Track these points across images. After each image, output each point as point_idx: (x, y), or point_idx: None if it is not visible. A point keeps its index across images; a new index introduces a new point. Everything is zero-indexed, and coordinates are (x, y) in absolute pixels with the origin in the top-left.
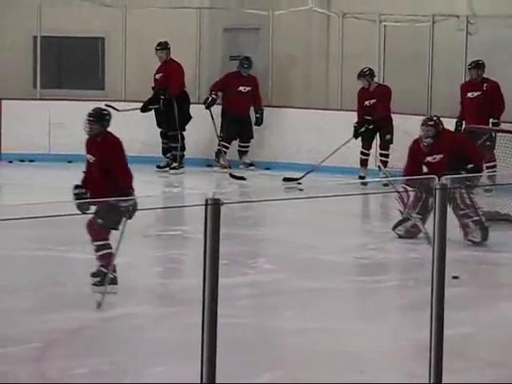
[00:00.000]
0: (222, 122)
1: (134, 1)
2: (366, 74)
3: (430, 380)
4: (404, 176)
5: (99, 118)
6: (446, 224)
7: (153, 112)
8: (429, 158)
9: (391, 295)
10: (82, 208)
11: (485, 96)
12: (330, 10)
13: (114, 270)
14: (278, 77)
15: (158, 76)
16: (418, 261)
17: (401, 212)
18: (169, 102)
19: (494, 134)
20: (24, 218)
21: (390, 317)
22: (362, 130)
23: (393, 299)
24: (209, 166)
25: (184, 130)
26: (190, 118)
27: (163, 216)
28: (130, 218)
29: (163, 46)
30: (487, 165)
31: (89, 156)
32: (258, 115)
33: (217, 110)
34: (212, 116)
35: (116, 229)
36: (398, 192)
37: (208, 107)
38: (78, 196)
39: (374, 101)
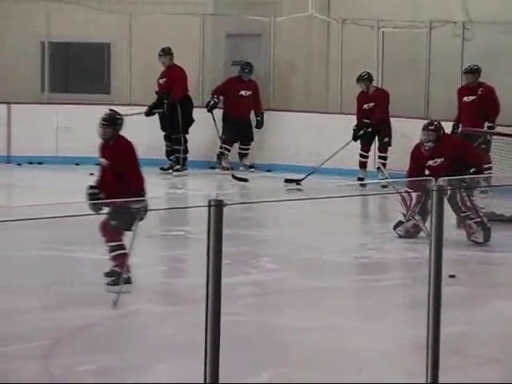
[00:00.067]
0: (224, 125)
1: (139, 8)
2: (365, 78)
3: (427, 377)
4: (406, 180)
5: (112, 122)
6: (442, 225)
7: (157, 116)
8: (430, 162)
9: (390, 294)
10: (95, 208)
11: (480, 100)
12: (330, 17)
13: (128, 270)
14: (279, 81)
15: (161, 81)
16: (417, 260)
17: (404, 214)
18: (172, 106)
19: (489, 137)
20: (33, 218)
21: (390, 315)
22: (361, 132)
23: (392, 298)
24: (212, 168)
25: (187, 133)
26: (192, 121)
27: (167, 217)
28: (142, 219)
29: (166, 52)
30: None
31: (102, 159)
32: (258, 118)
33: (218, 113)
34: (214, 119)
35: (130, 230)
36: (399, 193)
37: (210, 110)
38: (91, 196)
39: (373, 104)
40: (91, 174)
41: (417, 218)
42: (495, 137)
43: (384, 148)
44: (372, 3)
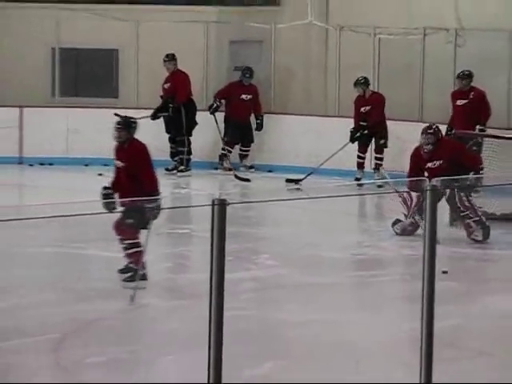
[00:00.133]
0: (225, 127)
1: (145, 15)
2: (362, 83)
3: (421, 369)
4: (407, 181)
5: (126, 126)
6: (436, 223)
7: (162, 119)
8: (429, 164)
9: (387, 289)
10: (109, 208)
11: (472, 104)
12: (328, 24)
13: (144, 267)
14: (279, 86)
15: (166, 86)
16: (413, 257)
17: (405, 215)
18: (177, 110)
19: (480, 139)
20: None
21: (387, 309)
22: (358, 134)
23: (388, 292)
24: (215, 168)
25: (191, 135)
26: (196, 124)
27: (172, 215)
28: (156, 218)
29: (171, 58)
30: None
31: (117, 161)
32: (258, 121)
33: (220, 116)
34: (216, 121)
35: (145, 228)
36: (397, 192)
37: (212, 113)
38: (106, 197)
39: (369, 108)
40: (100, 175)
41: (417, 217)
42: (486, 139)
43: (380, 149)
44: (369, 11)
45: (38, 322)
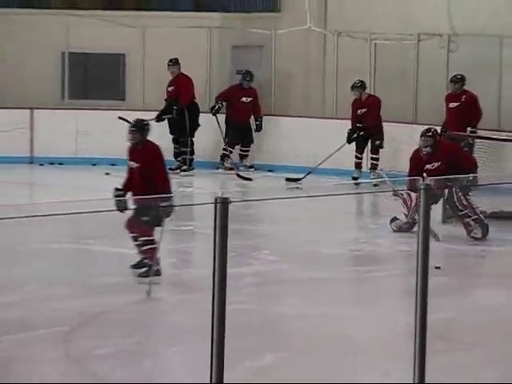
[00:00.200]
0: (226, 128)
1: (151, 22)
2: (358, 86)
3: (414, 360)
4: (407, 182)
5: (140, 128)
6: (429, 220)
7: (166, 120)
8: (428, 166)
9: (383, 283)
10: (121, 208)
11: (463, 106)
12: (326, 30)
13: (158, 263)
14: (279, 89)
15: (170, 89)
16: (409, 253)
17: (405, 215)
18: (181, 112)
19: (471, 140)
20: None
21: (383, 303)
22: (354, 136)
23: (384, 287)
24: (217, 168)
25: (193, 136)
26: (198, 125)
27: (176, 213)
28: (169, 216)
29: (174, 62)
30: None
31: (131, 163)
32: (257, 123)
33: (221, 117)
34: (218, 122)
35: (159, 226)
36: (394, 190)
37: (214, 114)
38: (118, 198)
39: (365, 110)
40: (107, 174)
41: (416, 217)
42: (478, 140)
43: (376, 150)
44: (365, 17)
45: (47, 316)
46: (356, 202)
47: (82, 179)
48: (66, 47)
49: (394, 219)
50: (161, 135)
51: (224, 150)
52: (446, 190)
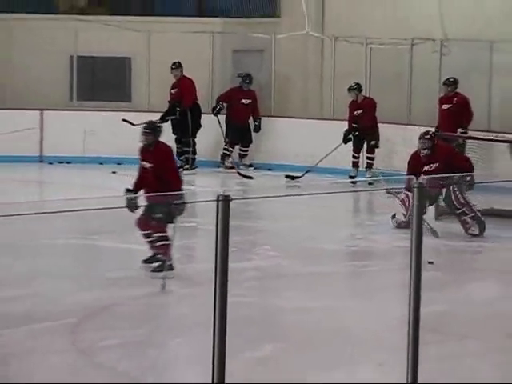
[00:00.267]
0: (227, 129)
1: (156, 27)
2: (355, 88)
3: (408, 351)
4: (405, 183)
5: (153, 130)
6: (422, 217)
7: (169, 121)
8: (426, 167)
9: (378, 277)
10: (132, 208)
11: (455, 108)
12: (324, 35)
13: (170, 258)
14: (278, 92)
15: (173, 91)
16: (405, 249)
17: (404, 215)
18: (184, 113)
19: (462, 141)
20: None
21: (378, 296)
22: (350, 136)
23: (380, 281)
24: (217, 167)
25: (195, 136)
26: (200, 126)
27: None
28: (181, 214)
29: (177, 65)
30: None
31: (144, 163)
32: (256, 123)
33: (221, 118)
34: (219, 121)
35: (172, 222)
36: (387, 189)
37: (215, 114)
38: (128, 198)
39: (361, 111)
40: (113, 172)
41: None
42: (470, 140)
43: (371, 150)
44: (361, 23)
45: (55, 309)
46: (353, 200)
47: (90, 177)
48: (75, 51)
49: (394, 216)
50: (164, 135)
51: (224, 149)
52: (444, 190)
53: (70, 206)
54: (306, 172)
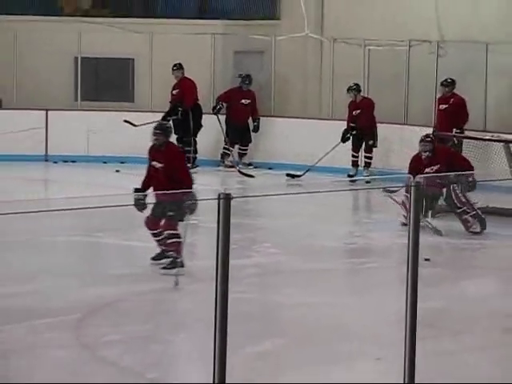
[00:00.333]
0: (227, 128)
1: (158, 28)
2: (354, 89)
3: (405, 345)
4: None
5: (164, 131)
6: (419, 215)
7: (171, 121)
8: (427, 169)
9: (376, 274)
10: (140, 208)
11: (451, 108)
12: (323, 36)
13: (181, 255)
14: (278, 92)
15: (174, 92)
16: (400, 245)
17: (404, 217)
18: (185, 113)
19: (458, 141)
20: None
21: (376, 292)
22: (348, 135)
23: (378, 277)
24: (218, 165)
25: (196, 136)
26: (201, 126)
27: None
28: (192, 212)
29: (178, 67)
30: None
31: (154, 163)
32: (255, 123)
33: (221, 117)
34: (219, 121)
35: (183, 220)
36: (383, 187)
37: (216, 113)
38: (137, 197)
39: (359, 111)
40: (117, 171)
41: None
42: (466, 140)
43: (369, 149)
44: (359, 25)
45: (59, 304)
46: (351, 198)
47: (94, 176)
48: (79, 52)
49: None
50: None
51: (225, 148)
52: (445, 189)
53: (73, 204)
54: (307, 171)
